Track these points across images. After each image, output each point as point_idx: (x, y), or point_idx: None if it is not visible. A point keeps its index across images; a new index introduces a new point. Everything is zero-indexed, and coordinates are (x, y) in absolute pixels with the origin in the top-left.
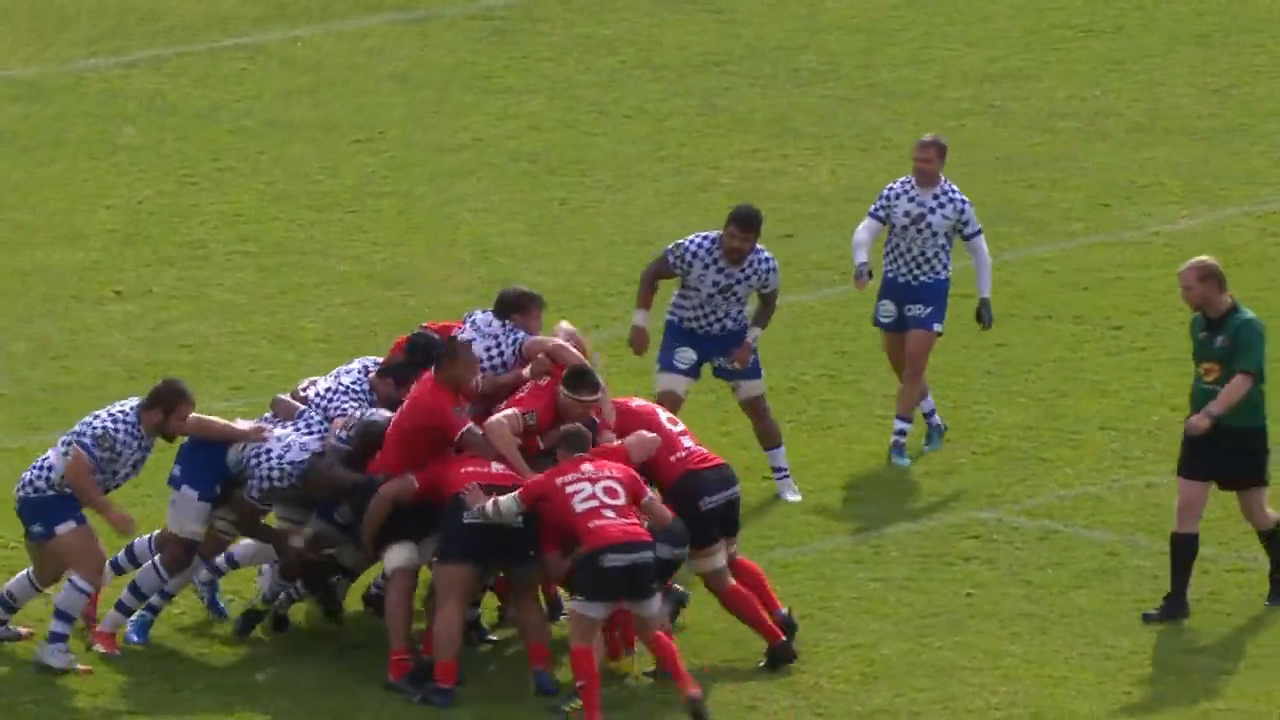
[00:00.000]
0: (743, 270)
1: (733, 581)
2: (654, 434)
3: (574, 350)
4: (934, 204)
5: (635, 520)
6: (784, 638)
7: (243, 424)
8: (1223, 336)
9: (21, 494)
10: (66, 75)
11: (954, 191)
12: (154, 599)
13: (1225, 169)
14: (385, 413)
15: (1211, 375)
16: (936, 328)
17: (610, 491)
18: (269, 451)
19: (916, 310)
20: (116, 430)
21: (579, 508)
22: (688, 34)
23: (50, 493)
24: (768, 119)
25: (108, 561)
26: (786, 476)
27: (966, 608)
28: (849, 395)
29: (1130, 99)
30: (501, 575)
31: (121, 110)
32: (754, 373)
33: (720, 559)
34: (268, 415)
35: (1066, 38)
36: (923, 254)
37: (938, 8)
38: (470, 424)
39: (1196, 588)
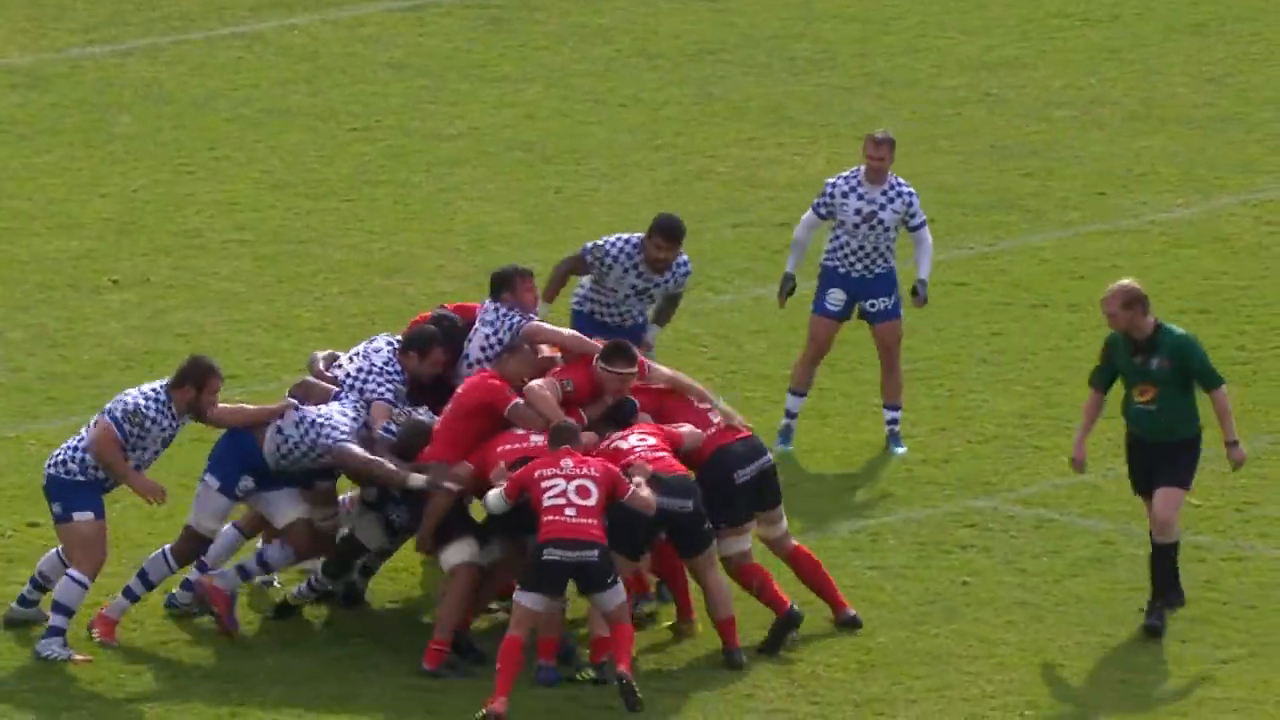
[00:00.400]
0: (664, 276)
1: (752, 563)
2: (699, 430)
3: (577, 336)
4: (884, 200)
5: (594, 521)
6: (790, 606)
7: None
8: (1158, 358)
9: (51, 471)
10: (63, 63)
11: (901, 185)
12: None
13: (1221, 157)
14: (429, 414)
15: (1147, 396)
16: (902, 314)
17: (582, 490)
18: (328, 423)
19: (881, 304)
20: (148, 407)
21: (545, 501)
22: (683, 23)
23: (80, 477)
24: (763, 108)
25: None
26: None
27: (963, 596)
28: (846, 384)
29: (1126, 87)
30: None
31: (118, 98)
32: None
33: (747, 541)
34: (295, 398)
35: (1063, 26)
36: (875, 249)
37: None
38: (516, 398)
39: (1192, 576)
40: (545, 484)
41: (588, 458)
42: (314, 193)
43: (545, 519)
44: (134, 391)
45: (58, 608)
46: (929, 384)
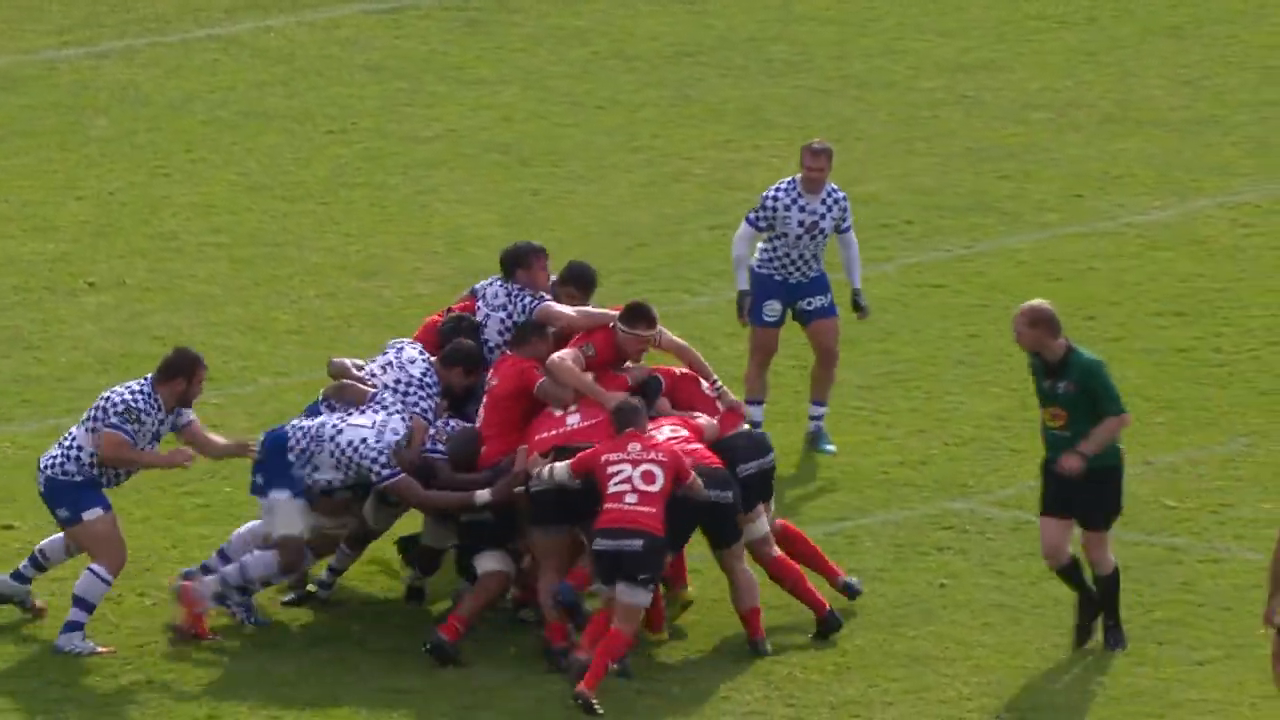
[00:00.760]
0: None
1: (778, 552)
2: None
3: (593, 312)
4: (823, 209)
5: (653, 509)
6: (829, 608)
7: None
8: (1066, 382)
9: (48, 474)
10: (38, 65)
11: (837, 192)
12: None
13: (1197, 160)
14: (459, 423)
15: (1059, 421)
16: (838, 312)
17: (647, 476)
18: (370, 433)
19: (818, 301)
20: (137, 402)
21: (610, 489)
22: (660, 25)
23: (79, 478)
24: (740, 110)
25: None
26: None
27: (939, 598)
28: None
29: (1103, 90)
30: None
31: (93, 101)
32: None
33: (763, 524)
34: (328, 400)
35: (1039, 29)
36: (813, 255)
37: None
38: (542, 377)
39: (1169, 578)
40: (611, 469)
41: (658, 442)
42: (290, 195)
43: (605, 506)
44: (118, 390)
45: (79, 602)
46: (906, 386)
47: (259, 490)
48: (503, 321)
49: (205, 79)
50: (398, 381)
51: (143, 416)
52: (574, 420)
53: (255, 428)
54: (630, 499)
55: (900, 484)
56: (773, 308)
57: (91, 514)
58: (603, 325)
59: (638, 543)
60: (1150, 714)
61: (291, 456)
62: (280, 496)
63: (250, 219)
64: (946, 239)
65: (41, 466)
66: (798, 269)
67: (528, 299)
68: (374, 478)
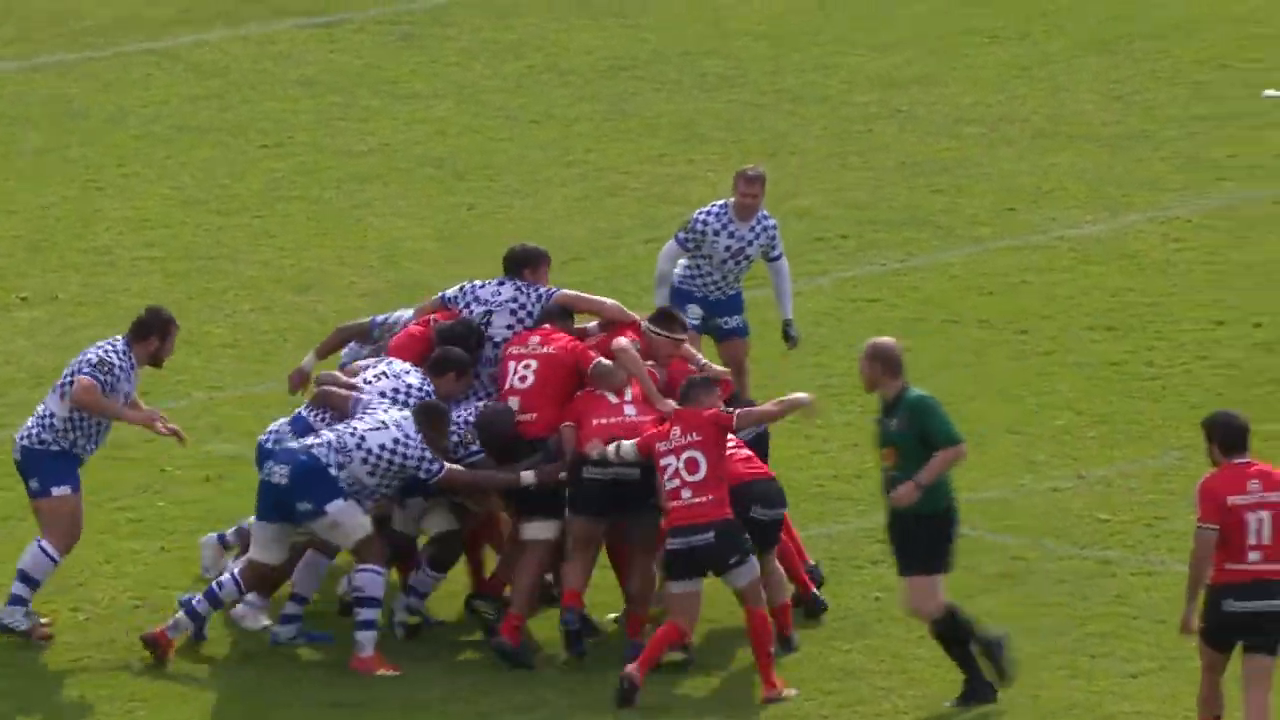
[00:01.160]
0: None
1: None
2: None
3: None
4: (751, 236)
5: (709, 498)
6: (815, 590)
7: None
8: (896, 420)
9: (24, 443)
10: None
11: (767, 219)
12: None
13: (1128, 174)
14: (495, 405)
15: (889, 460)
16: (749, 333)
17: (691, 464)
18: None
19: (733, 321)
20: (110, 356)
21: (665, 484)
22: (594, 39)
23: (55, 447)
24: (675, 124)
25: (216, 535)
26: None
27: (875, 611)
28: (755, 398)
29: (1035, 105)
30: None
31: (26, 114)
32: None
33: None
34: (316, 411)
35: (972, 44)
36: (736, 277)
37: (844, 13)
38: (599, 356)
39: (1103, 591)
40: (662, 461)
41: (696, 422)
42: (225, 209)
43: (669, 504)
44: (90, 349)
45: (24, 577)
46: (841, 400)
47: (312, 514)
48: (514, 313)
49: (139, 93)
50: (395, 390)
51: (116, 370)
52: (631, 411)
53: (189, 441)
54: (686, 494)
55: (835, 497)
56: (694, 312)
57: (60, 490)
58: (630, 322)
59: (709, 534)
60: None
61: (334, 471)
62: (336, 506)
63: (184, 233)
64: (880, 253)
65: (17, 438)
66: (718, 288)
67: (540, 289)
68: (422, 474)
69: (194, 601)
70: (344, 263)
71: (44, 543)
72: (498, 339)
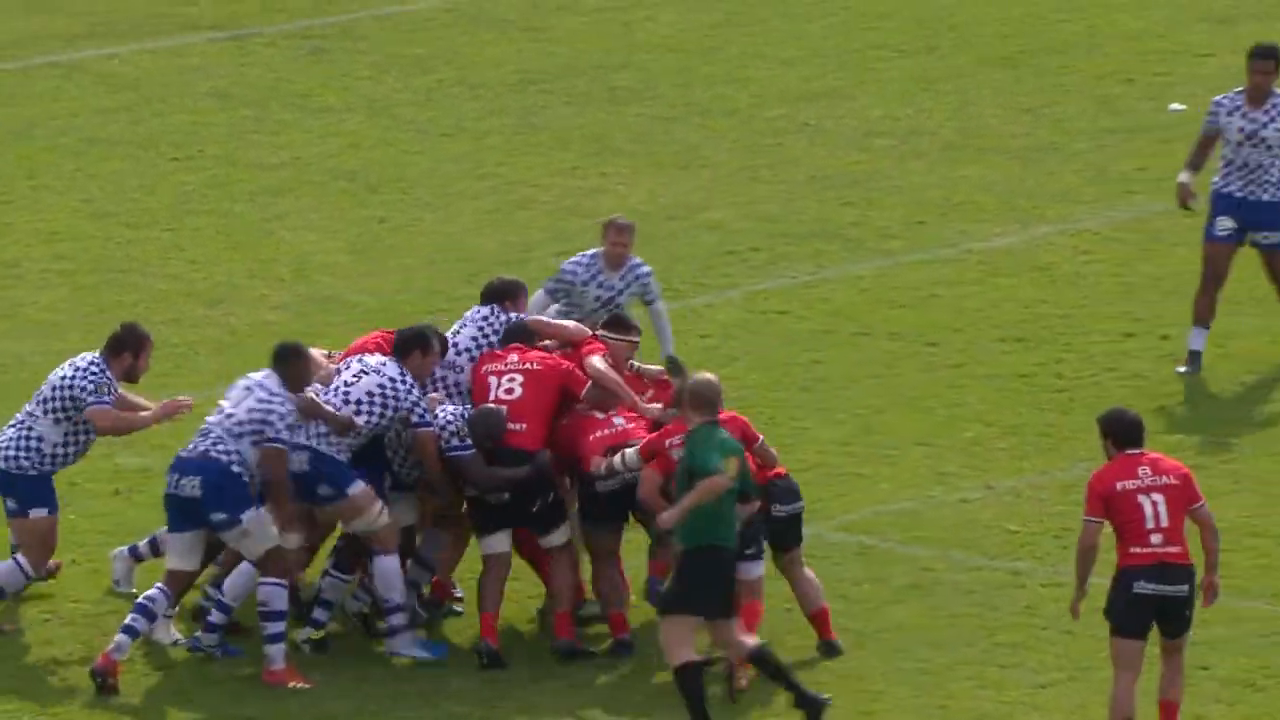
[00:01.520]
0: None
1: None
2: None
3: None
4: (621, 285)
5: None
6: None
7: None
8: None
9: (2, 465)
10: None
11: (639, 267)
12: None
13: (1038, 187)
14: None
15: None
16: None
17: None
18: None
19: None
20: (99, 376)
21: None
22: (504, 53)
23: (32, 472)
24: (586, 137)
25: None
26: None
27: (784, 623)
28: None
29: (944, 118)
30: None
31: None
32: None
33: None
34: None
35: (880, 57)
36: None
37: (754, 27)
38: (589, 382)
39: (1012, 602)
40: (677, 454)
41: (725, 418)
42: (135, 222)
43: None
44: (77, 371)
45: None
46: (750, 413)
47: (226, 524)
48: (480, 329)
49: (48, 105)
50: (381, 387)
51: (110, 386)
52: (620, 421)
53: (99, 455)
54: None
55: None
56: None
57: (37, 513)
58: (587, 338)
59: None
60: None
61: (245, 477)
62: (249, 515)
63: (94, 246)
64: (791, 265)
65: None
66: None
67: (508, 316)
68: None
69: (129, 620)
70: (255, 276)
71: (21, 558)
72: (462, 347)
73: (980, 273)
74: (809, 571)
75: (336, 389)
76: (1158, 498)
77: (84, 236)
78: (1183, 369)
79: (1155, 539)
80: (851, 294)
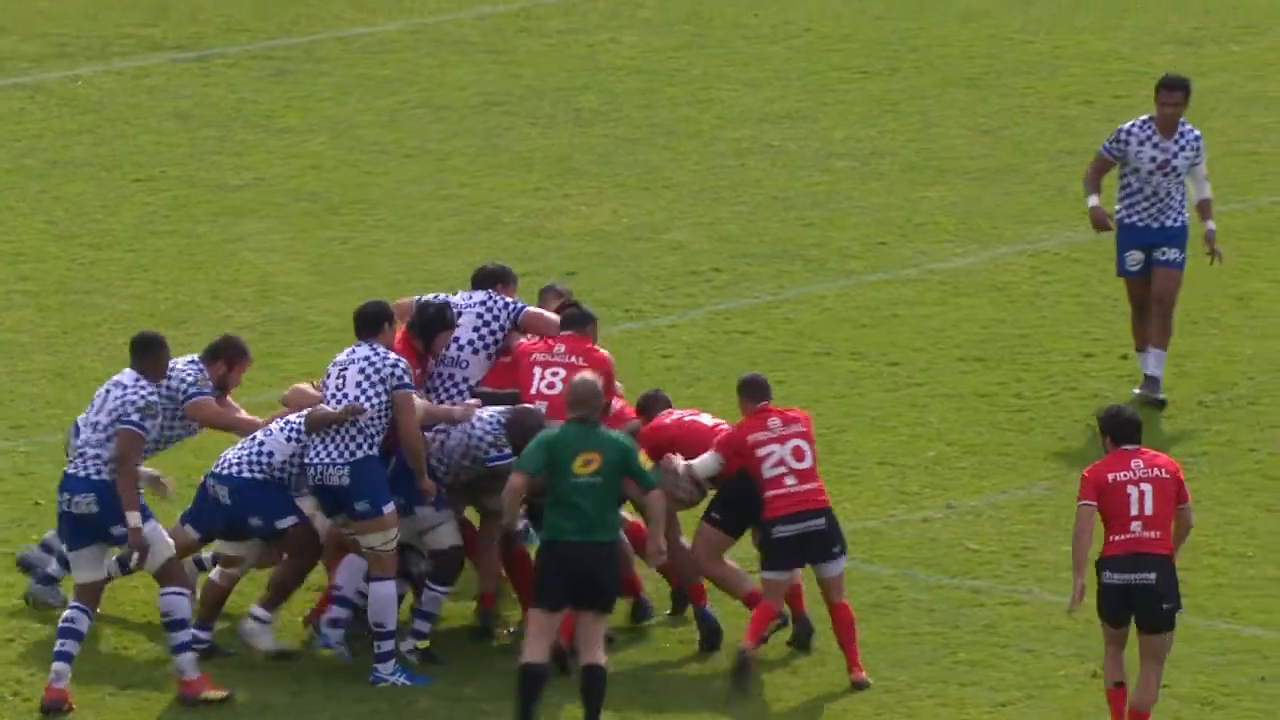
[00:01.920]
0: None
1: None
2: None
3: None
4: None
5: (816, 484)
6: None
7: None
8: None
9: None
10: None
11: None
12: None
13: (998, 208)
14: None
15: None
16: None
17: (797, 452)
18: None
19: None
20: (187, 374)
21: (766, 473)
22: (467, 75)
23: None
24: (549, 158)
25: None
26: None
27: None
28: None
29: (905, 139)
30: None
31: None
32: None
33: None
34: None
35: (843, 79)
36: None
37: (717, 49)
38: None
39: (971, 620)
40: (761, 452)
41: (787, 410)
42: (98, 243)
43: (769, 493)
44: (179, 365)
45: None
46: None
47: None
48: (480, 316)
49: (11, 127)
50: (363, 370)
51: (203, 385)
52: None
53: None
54: (790, 481)
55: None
56: None
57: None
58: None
59: (820, 521)
60: None
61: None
62: (149, 527)
63: (58, 267)
64: (753, 286)
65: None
66: None
67: (508, 300)
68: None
69: (59, 646)
70: (218, 296)
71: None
72: (463, 340)
73: (941, 293)
74: (846, 600)
75: (334, 395)
76: (1146, 487)
77: (48, 257)
78: (1138, 390)
79: (1135, 525)
80: (814, 314)
